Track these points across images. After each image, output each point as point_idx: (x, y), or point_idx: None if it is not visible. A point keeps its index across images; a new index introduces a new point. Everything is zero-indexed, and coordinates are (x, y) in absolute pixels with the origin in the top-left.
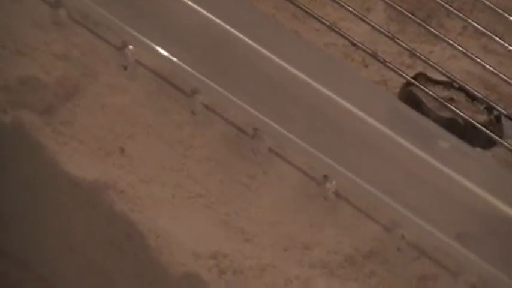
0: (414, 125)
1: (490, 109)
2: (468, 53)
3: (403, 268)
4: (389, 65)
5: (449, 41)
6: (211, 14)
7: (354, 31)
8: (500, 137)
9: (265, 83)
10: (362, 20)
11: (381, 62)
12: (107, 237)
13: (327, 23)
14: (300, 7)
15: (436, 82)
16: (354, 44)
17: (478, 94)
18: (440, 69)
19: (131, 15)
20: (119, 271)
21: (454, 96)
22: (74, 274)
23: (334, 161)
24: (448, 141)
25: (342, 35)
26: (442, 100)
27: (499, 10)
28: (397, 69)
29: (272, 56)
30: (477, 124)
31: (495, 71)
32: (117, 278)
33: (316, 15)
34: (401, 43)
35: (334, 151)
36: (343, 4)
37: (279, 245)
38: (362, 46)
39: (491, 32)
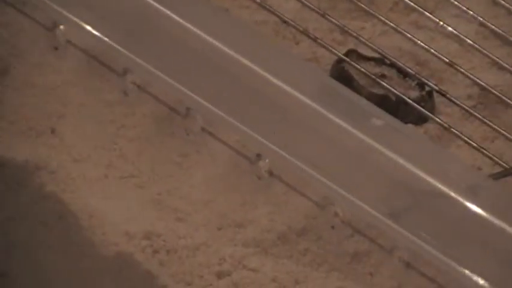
0: (346, 101)
1: (421, 85)
2: (399, 29)
3: (336, 245)
4: (320, 41)
5: (380, 17)
6: None
7: (285, 8)
8: (432, 113)
9: (197, 61)
10: None
11: (312, 39)
12: (39, 218)
13: (258, 0)
14: None
15: (368, 59)
16: (284, 21)
17: (409, 70)
18: (372, 46)
19: None
20: (51, 252)
21: (386, 73)
22: (3, 255)
23: (267, 139)
24: (380, 117)
25: (272, 12)
26: (373, 77)
27: None
28: (328, 46)
29: (203, 34)
30: (409, 100)
31: (426, 47)
32: (49, 259)
33: None
34: (332, 20)
35: (267, 129)
36: None
37: (212, 224)
38: (293, 23)
39: (421, 8)
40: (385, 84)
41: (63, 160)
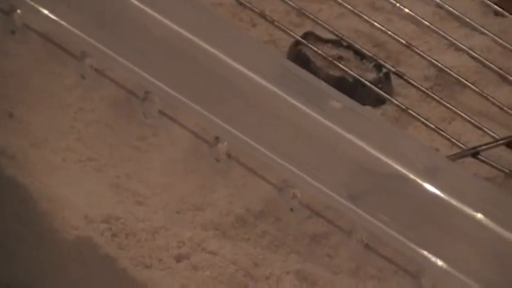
0: (304, 84)
1: (378, 67)
2: (356, 11)
3: (295, 227)
4: (277, 24)
5: None
6: None
7: None
8: (390, 95)
9: (154, 44)
10: None
11: (269, 21)
12: None
13: None
14: None
15: (325, 41)
16: (241, 4)
17: (366, 52)
18: (329, 28)
19: None
20: (10, 236)
21: (343, 55)
22: None
23: (225, 122)
24: (338, 100)
25: None
26: (330, 59)
27: None
28: (285, 29)
29: (160, 17)
30: (366, 82)
31: (383, 29)
32: (8, 243)
33: None
34: (289, 2)
35: (225, 112)
36: None
37: (171, 207)
38: (249, 5)
39: None
40: (342, 66)
41: (21, 145)
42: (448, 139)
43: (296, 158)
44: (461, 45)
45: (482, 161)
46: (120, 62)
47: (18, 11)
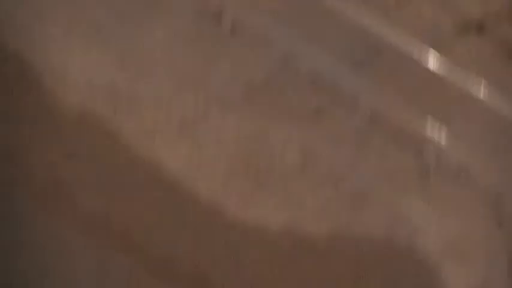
0: None
1: None
2: None
3: (299, 100)
4: None
5: None
6: None
7: None
8: None
9: None
10: None
11: None
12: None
13: None
14: None
15: None
16: None
17: None
18: None
19: None
20: (10, 106)
21: None
22: None
23: None
24: None
25: None
26: None
27: None
28: None
29: None
30: None
31: None
32: (8, 113)
33: None
34: None
35: None
36: None
37: (174, 80)
38: None
39: None
40: None
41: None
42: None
43: (301, 30)
44: None
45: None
46: None
47: None
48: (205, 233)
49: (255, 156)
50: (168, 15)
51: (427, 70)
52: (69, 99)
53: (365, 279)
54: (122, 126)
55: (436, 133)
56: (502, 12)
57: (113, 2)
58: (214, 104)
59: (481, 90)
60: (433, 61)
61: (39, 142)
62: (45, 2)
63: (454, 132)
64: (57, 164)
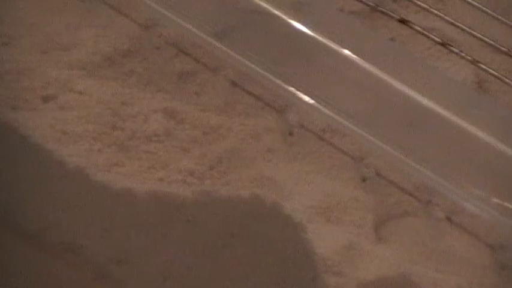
0: None
1: None
2: None
3: (162, 66)
4: None
5: None
6: None
7: None
8: None
9: None
10: None
11: None
12: None
13: None
14: None
15: None
16: None
17: None
18: None
19: None
20: None
21: None
22: None
23: None
24: None
25: None
26: None
27: None
28: None
29: None
30: None
31: None
32: None
33: None
34: None
35: None
36: None
37: (36, 48)
38: None
39: None
40: None
41: None
42: None
43: None
44: None
45: None
46: None
47: None
48: (73, 200)
49: (120, 121)
50: None
51: (290, 32)
52: None
53: (232, 241)
54: None
55: (301, 94)
56: None
57: None
58: (77, 70)
59: (344, 52)
60: (295, 23)
61: None
62: None
63: (317, 93)
64: None
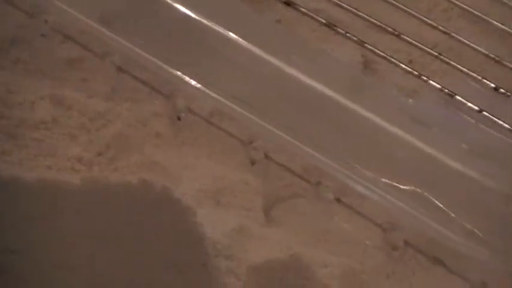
0: None
1: None
2: None
3: (48, 53)
4: None
5: None
6: None
7: None
8: None
9: None
10: None
11: None
12: None
13: None
14: None
15: None
16: None
17: None
18: None
19: None
20: None
21: None
22: None
23: None
24: None
25: None
26: None
27: None
28: None
29: None
30: None
31: None
32: None
33: None
34: None
35: None
36: None
37: None
38: None
39: None
40: None
41: None
42: None
43: None
44: None
45: None
46: None
47: None
48: None
49: (7, 110)
50: None
51: (176, 17)
52: None
53: (122, 228)
54: None
55: (188, 79)
56: None
57: None
58: None
59: (231, 36)
60: (182, 8)
61: None
62: None
63: (204, 77)
64: None
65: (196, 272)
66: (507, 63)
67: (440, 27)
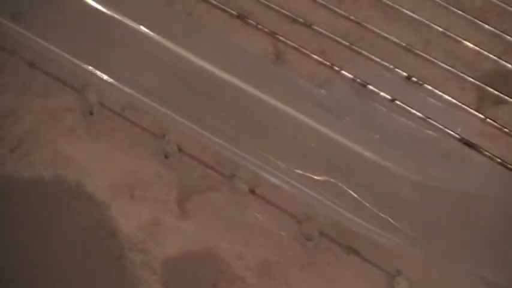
0: None
1: None
2: None
3: None
4: None
5: None
6: None
7: None
8: None
9: None
10: None
11: None
12: None
13: None
14: None
15: None
16: None
17: None
18: None
19: None
20: None
21: None
22: None
23: None
24: None
25: None
26: None
27: None
28: None
29: None
30: None
31: None
32: None
33: None
34: None
35: None
36: None
37: None
38: None
39: None
40: None
41: None
42: None
43: None
44: None
45: None
46: None
47: None
48: None
49: None
50: None
51: (85, 10)
52: None
53: (34, 223)
54: None
55: (99, 73)
56: None
57: None
58: None
59: (142, 29)
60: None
61: None
62: None
63: (115, 71)
64: None
65: (111, 266)
66: (419, 52)
67: (351, 17)
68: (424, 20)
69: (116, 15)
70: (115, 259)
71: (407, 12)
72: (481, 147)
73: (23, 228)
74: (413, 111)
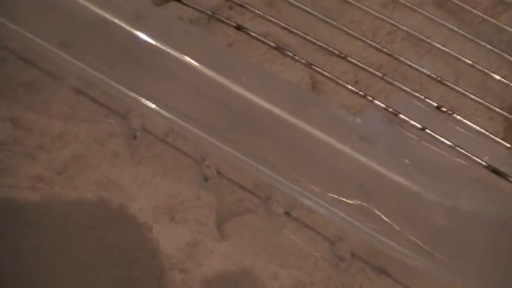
0: None
1: None
2: None
3: (8, 77)
4: None
5: None
6: None
7: None
8: None
9: None
10: None
11: None
12: None
13: None
14: None
15: None
16: None
17: None
18: None
19: None
20: None
21: None
22: None
23: None
24: None
25: None
26: None
27: None
28: None
29: None
30: None
31: None
32: None
33: None
34: None
35: None
36: None
37: None
38: None
39: None
40: None
41: None
42: None
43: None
44: None
45: (186, 5)
46: None
47: None
48: None
49: None
50: None
51: (131, 40)
52: None
53: (76, 243)
54: None
55: (143, 99)
56: None
57: None
58: None
59: (185, 59)
60: (135, 31)
61: None
62: None
63: (159, 98)
64: None
65: (152, 286)
66: (449, 83)
67: (385, 50)
68: (455, 54)
69: (160, 45)
70: (156, 279)
71: (439, 45)
72: (507, 175)
73: (67, 248)
74: (443, 139)
